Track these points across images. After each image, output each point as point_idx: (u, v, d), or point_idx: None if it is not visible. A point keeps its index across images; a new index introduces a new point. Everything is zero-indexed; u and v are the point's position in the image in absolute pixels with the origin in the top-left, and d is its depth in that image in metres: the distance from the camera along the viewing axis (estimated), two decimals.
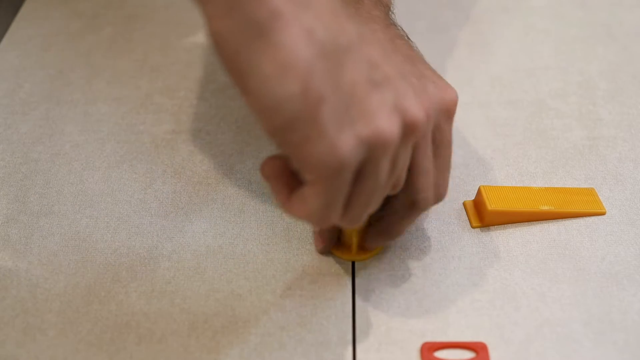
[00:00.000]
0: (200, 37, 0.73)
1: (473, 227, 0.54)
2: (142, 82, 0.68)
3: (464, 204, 0.56)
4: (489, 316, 0.48)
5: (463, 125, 0.63)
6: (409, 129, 0.39)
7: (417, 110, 0.39)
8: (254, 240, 0.53)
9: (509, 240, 0.53)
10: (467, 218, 0.54)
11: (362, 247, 0.51)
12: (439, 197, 0.47)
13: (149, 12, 0.77)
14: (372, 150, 0.37)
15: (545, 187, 0.56)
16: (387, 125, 0.37)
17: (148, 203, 0.56)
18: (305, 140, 0.36)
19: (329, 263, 0.51)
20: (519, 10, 0.77)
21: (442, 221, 0.54)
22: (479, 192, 0.54)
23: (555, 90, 0.67)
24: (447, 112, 0.46)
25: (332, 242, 0.51)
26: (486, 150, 0.60)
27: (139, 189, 0.57)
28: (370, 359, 0.46)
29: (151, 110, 0.65)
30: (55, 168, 0.59)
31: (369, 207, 0.41)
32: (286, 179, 0.41)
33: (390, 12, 0.53)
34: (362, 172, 0.39)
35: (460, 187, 0.57)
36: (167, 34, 0.74)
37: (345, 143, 0.36)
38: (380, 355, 0.46)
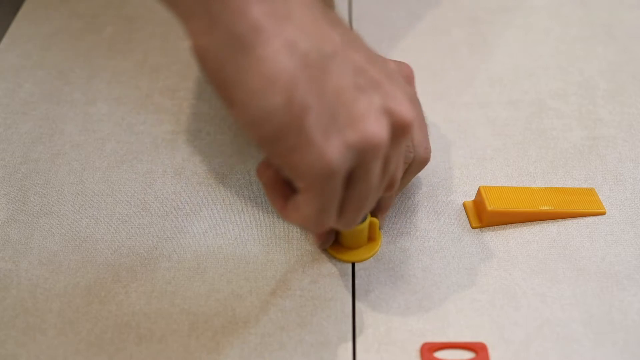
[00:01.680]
0: None
1: (473, 228, 0.54)
2: (142, 82, 0.68)
3: (463, 204, 0.56)
4: (489, 316, 0.48)
5: (463, 125, 0.63)
6: (398, 130, 0.39)
7: (405, 110, 0.39)
8: (254, 241, 0.53)
9: (509, 240, 0.53)
10: (467, 218, 0.55)
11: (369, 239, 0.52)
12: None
13: (149, 12, 0.77)
14: (361, 155, 0.38)
15: (545, 187, 0.56)
16: (375, 129, 0.37)
17: (148, 203, 0.56)
18: (293, 149, 0.36)
19: (329, 264, 0.51)
20: (519, 10, 0.77)
21: (442, 221, 0.54)
22: (478, 193, 0.55)
23: (555, 90, 0.67)
24: None
25: (332, 237, 0.51)
26: (486, 150, 0.60)
27: (139, 189, 0.57)
28: (370, 359, 0.46)
29: (151, 110, 0.65)
30: (55, 168, 0.59)
31: (364, 209, 0.42)
32: (281, 187, 0.42)
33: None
34: (353, 176, 0.39)
35: (460, 187, 0.57)
36: (167, 34, 0.74)
37: (333, 150, 0.36)
38: (380, 356, 0.46)
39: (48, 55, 0.72)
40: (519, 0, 0.78)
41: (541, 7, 0.78)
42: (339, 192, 0.39)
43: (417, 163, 0.49)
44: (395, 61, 0.49)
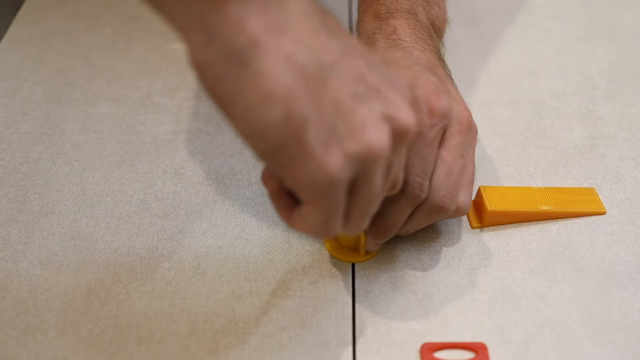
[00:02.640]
0: None
1: (473, 228, 0.54)
2: (142, 82, 0.68)
3: None
4: (489, 316, 0.48)
5: None
6: (399, 135, 0.39)
7: (406, 115, 0.39)
8: (254, 241, 0.53)
9: (509, 240, 0.53)
10: (467, 218, 0.54)
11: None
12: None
13: (149, 12, 0.76)
14: (362, 165, 0.38)
15: (545, 187, 0.56)
16: (376, 137, 0.37)
17: (148, 203, 0.56)
18: (293, 162, 0.37)
19: (329, 264, 0.51)
20: (520, 10, 0.77)
21: (442, 221, 0.54)
22: (478, 193, 0.54)
23: (556, 90, 0.67)
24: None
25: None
26: (486, 150, 0.60)
27: (139, 190, 0.57)
28: (370, 359, 0.46)
29: (151, 110, 0.65)
30: (56, 168, 0.59)
31: (369, 215, 0.42)
32: (285, 196, 0.42)
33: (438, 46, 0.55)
34: (356, 185, 0.39)
35: None
36: (167, 34, 0.74)
37: (334, 161, 0.37)
38: (380, 356, 0.46)
39: (48, 55, 0.72)
40: (519, 0, 0.78)
41: (541, 7, 0.78)
42: (343, 202, 0.39)
43: (430, 206, 0.48)
44: (455, 104, 0.49)
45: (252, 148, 0.37)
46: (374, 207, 0.42)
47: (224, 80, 0.36)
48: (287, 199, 0.42)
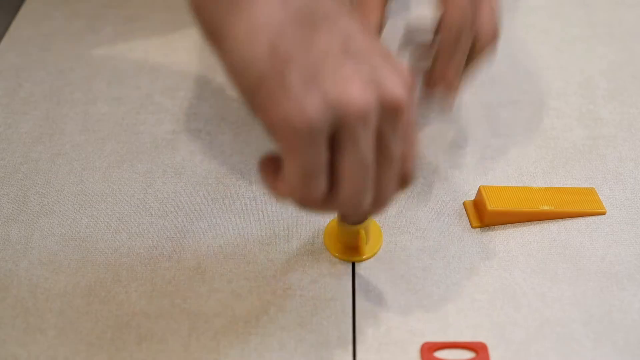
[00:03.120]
0: (200, 37, 0.73)
1: (473, 227, 0.54)
2: (142, 82, 0.68)
3: (464, 204, 0.56)
4: (489, 316, 0.48)
5: (463, 125, 0.63)
6: (388, 105, 0.37)
7: (395, 86, 0.37)
8: (255, 241, 0.53)
9: (509, 240, 0.53)
10: (467, 218, 0.55)
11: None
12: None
13: (149, 12, 0.77)
14: (342, 116, 0.36)
15: (545, 187, 0.56)
16: (359, 92, 0.36)
17: (148, 203, 0.56)
18: (271, 100, 0.36)
19: (329, 264, 0.51)
20: (519, 9, 0.77)
21: (442, 221, 0.54)
22: (479, 192, 0.55)
23: (556, 90, 0.67)
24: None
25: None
26: (486, 150, 0.60)
27: (139, 189, 0.57)
28: (370, 359, 0.46)
29: (151, 110, 0.65)
30: (56, 168, 0.59)
31: (360, 187, 0.39)
32: (272, 167, 0.40)
33: None
34: (339, 141, 0.37)
35: (460, 187, 0.57)
36: (167, 34, 0.74)
37: (311, 104, 0.35)
38: (380, 356, 0.46)
39: (48, 55, 0.72)
40: (519, 0, 0.78)
41: (541, 7, 0.78)
42: (321, 152, 0.37)
43: (483, 41, 0.51)
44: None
45: (235, 84, 0.38)
46: (367, 181, 0.39)
47: (217, 16, 0.37)
48: (275, 168, 0.40)
